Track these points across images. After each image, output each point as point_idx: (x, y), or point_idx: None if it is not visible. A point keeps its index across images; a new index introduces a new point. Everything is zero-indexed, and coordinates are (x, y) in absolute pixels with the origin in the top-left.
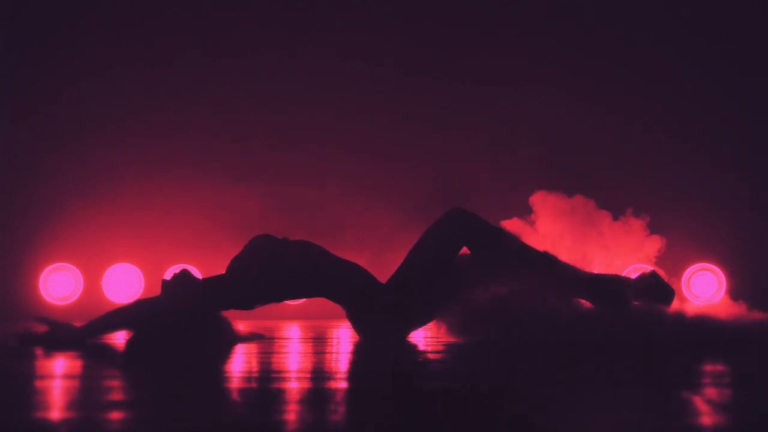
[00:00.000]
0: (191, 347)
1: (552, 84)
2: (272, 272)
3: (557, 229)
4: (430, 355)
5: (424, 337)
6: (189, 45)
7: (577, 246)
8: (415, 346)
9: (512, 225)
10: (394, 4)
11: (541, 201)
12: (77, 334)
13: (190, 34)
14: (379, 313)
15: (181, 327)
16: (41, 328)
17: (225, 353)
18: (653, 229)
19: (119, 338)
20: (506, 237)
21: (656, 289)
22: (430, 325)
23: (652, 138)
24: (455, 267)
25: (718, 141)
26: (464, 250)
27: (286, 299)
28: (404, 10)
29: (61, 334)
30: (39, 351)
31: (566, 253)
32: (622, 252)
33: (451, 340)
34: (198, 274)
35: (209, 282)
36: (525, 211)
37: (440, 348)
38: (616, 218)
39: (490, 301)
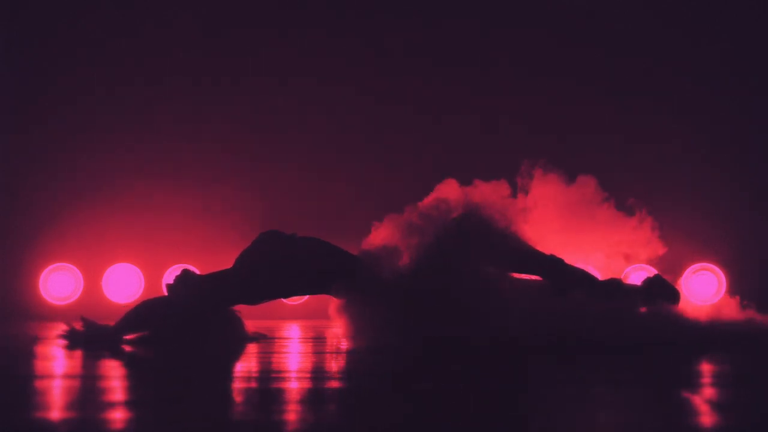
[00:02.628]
0: (201, 345)
1: (555, 83)
2: (280, 269)
3: (552, 211)
4: (432, 355)
5: (425, 337)
6: (187, 48)
7: (573, 232)
8: (416, 346)
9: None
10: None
11: (537, 176)
12: (110, 333)
13: (190, 38)
14: (385, 311)
15: (192, 325)
16: (80, 327)
17: (230, 352)
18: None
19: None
20: (514, 241)
21: (663, 292)
22: (434, 325)
23: (652, 139)
24: (462, 270)
25: (719, 142)
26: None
27: (293, 295)
28: (401, 6)
29: (96, 333)
30: (78, 349)
31: (559, 239)
32: (624, 246)
33: (454, 340)
34: (197, 272)
35: (216, 277)
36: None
37: (441, 348)
38: (631, 215)
39: (495, 302)
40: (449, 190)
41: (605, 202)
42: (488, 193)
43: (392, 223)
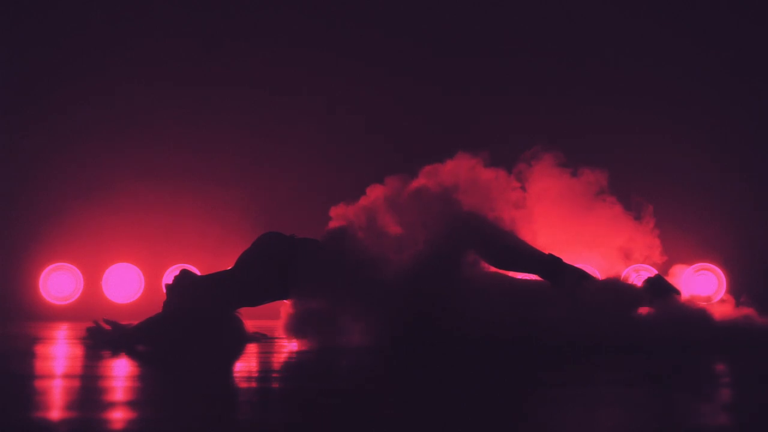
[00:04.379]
0: (200, 345)
1: (555, 82)
2: (279, 271)
3: (553, 204)
4: (428, 355)
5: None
6: (185, 50)
7: (573, 228)
8: (416, 346)
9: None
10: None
11: (539, 166)
12: (132, 334)
13: (187, 42)
14: (385, 314)
15: (191, 325)
16: (106, 327)
17: (230, 352)
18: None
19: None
20: (513, 240)
21: (662, 292)
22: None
23: (652, 138)
24: (460, 270)
25: (719, 141)
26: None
27: (292, 297)
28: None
29: (120, 334)
30: (100, 348)
31: (558, 235)
32: (623, 248)
33: (450, 340)
34: (197, 272)
35: (215, 278)
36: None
37: (437, 348)
38: (637, 214)
39: (492, 301)
40: (452, 170)
41: (608, 197)
42: (490, 181)
43: (375, 195)
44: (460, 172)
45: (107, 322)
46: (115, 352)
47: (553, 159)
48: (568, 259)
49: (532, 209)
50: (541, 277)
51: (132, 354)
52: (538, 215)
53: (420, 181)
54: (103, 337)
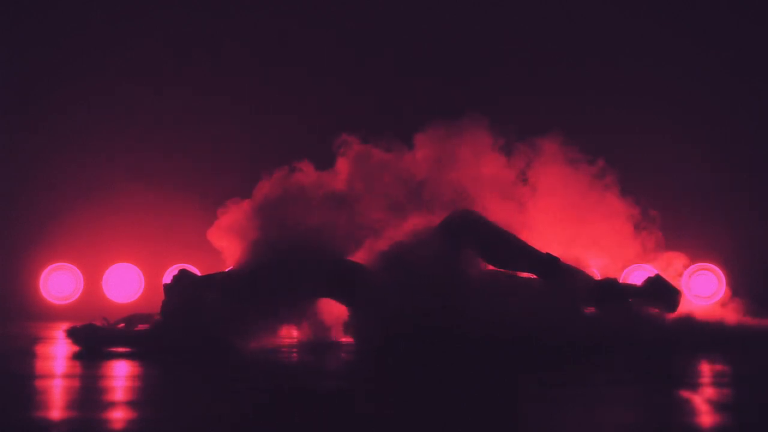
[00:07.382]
0: (202, 347)
1: (554, 82)
2: (279, 271)
3: (555, 199)
4: (435, 355)
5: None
6: (185, 50)
7: (574, 225)
8: (416, 346)
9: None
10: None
11: (541, 157)
12: (120, 336)
13: (187, 42)
14: (384, 313)
15: (193, 327)
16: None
17: (230, 353)
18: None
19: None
20: (511, 240)
21: (662, 292)
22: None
23: (652, 138)
24: (459, 269)
25: (719, 141)
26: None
27: (292, 296)
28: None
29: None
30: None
31: (558, 232)
32: (622, 250)
33: (455, 340)
34: (197, 272)
35: (216, 278)
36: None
37: (433, 348)
38: (643, 218)
39: (493, 302)
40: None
41: (610, 188)
42: (493, 177)
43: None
44: (462, 156)
45: (92, 326)
46: (100, 353)
47: (557, 151)
48: (566, 259)
49: (533, 206)
50: (539, 276)
51: (123, 354)
52: (539, 211)
53: (418, 155)
54: (88, 336)
